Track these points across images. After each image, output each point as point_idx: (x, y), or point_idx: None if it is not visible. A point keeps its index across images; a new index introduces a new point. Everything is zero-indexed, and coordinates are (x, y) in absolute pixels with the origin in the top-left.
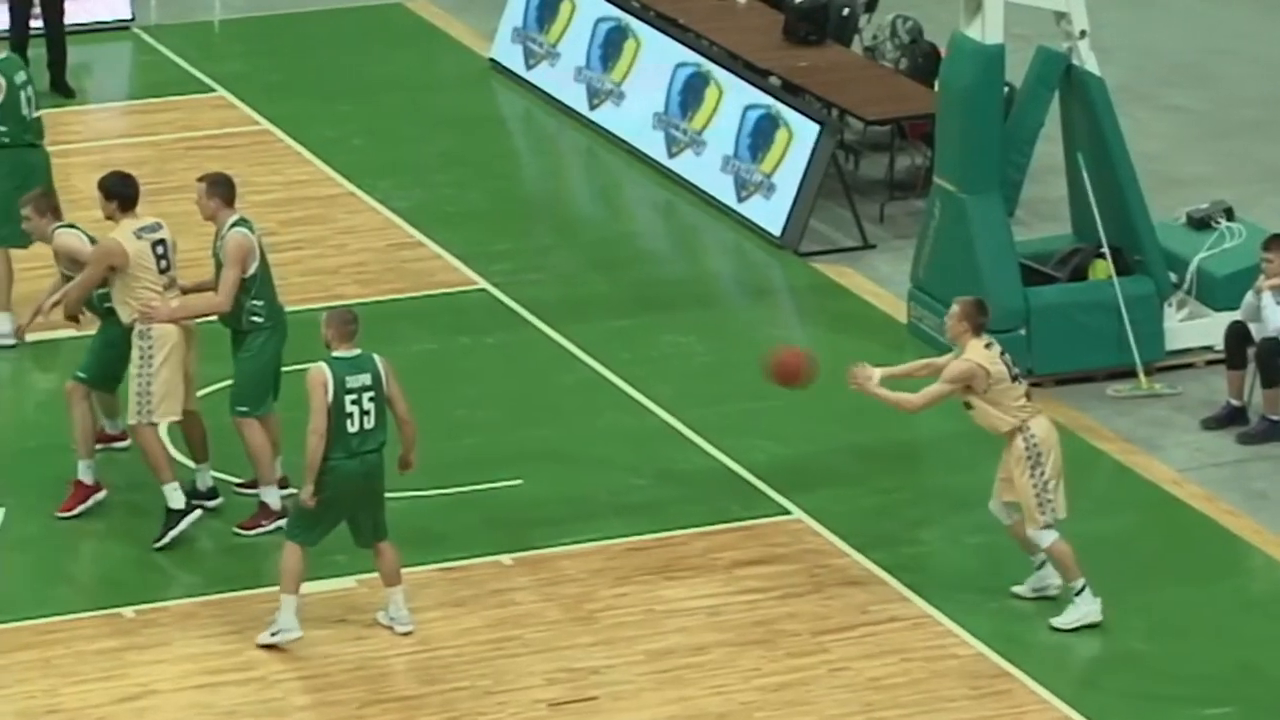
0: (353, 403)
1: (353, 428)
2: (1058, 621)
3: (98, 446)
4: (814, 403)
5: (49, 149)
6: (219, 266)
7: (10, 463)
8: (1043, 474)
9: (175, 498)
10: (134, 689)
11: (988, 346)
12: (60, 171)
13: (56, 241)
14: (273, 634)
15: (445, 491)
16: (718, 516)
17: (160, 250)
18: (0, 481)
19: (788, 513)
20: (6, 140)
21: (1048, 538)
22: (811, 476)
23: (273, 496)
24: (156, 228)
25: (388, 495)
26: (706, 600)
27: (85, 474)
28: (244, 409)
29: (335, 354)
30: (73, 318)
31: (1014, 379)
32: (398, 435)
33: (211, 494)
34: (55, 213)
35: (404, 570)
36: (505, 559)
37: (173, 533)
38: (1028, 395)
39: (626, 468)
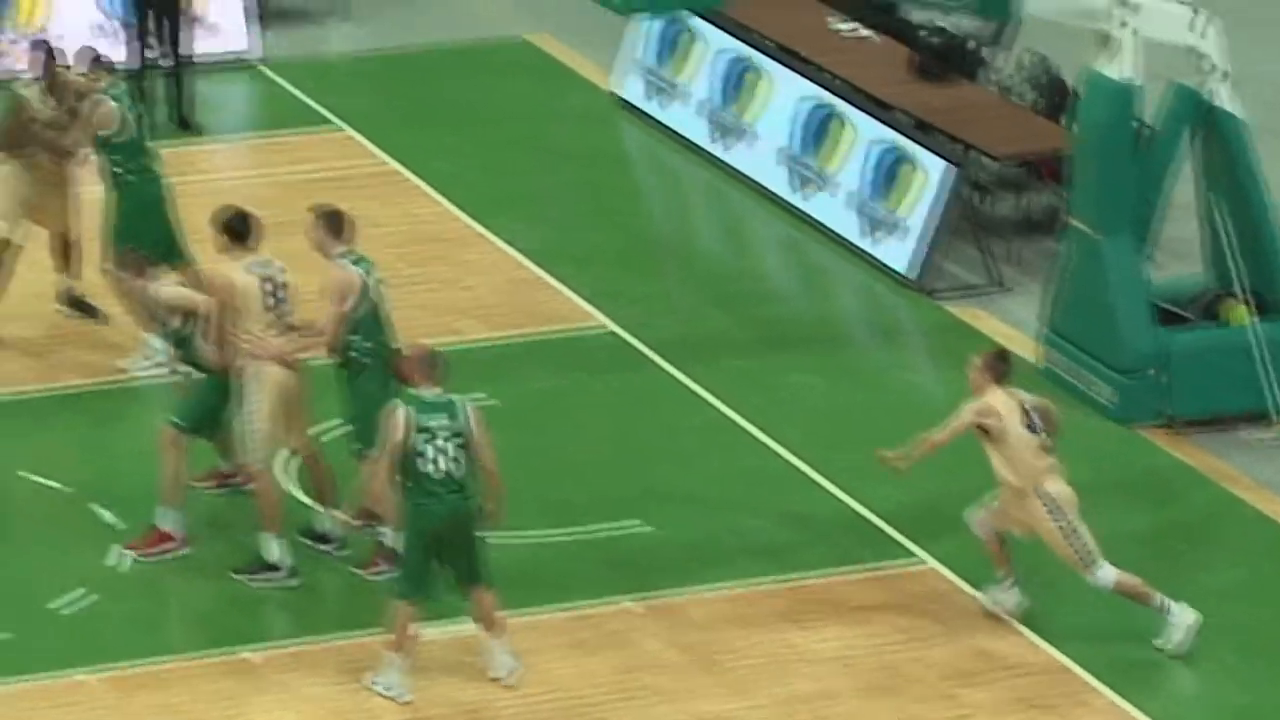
0: (426, 442)
1: (427, 468)
2: (1164, 644)
3: (214, 487)
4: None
5: (171, 182)
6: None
7: (133, 501)
8: (1068, 522)
9: (271, 550)
10: None
11: (1009, 395)
12: (181, 206)
13: (160, 294)
14: (373, 682)
15: (567, 534)
16: (845, 561)
17: (269, 288)
18: (125, 521)
19: (916, 558)
20: (132, 173)
21: (1107, 577)
22: (940, 522)
23: (389, 536)
24: (268, 264)
25: (514, 538)
26: (835, 646)
27: (165, 521)
28: (359, 446)
29: (416, 393)
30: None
31: (1030, 429)
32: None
33: (332, 540)
34: (142, 268)
35: (525, 615)
36: (629, 604)
37: (258, 581)
38: (1046, 449)
39: (752, 511)
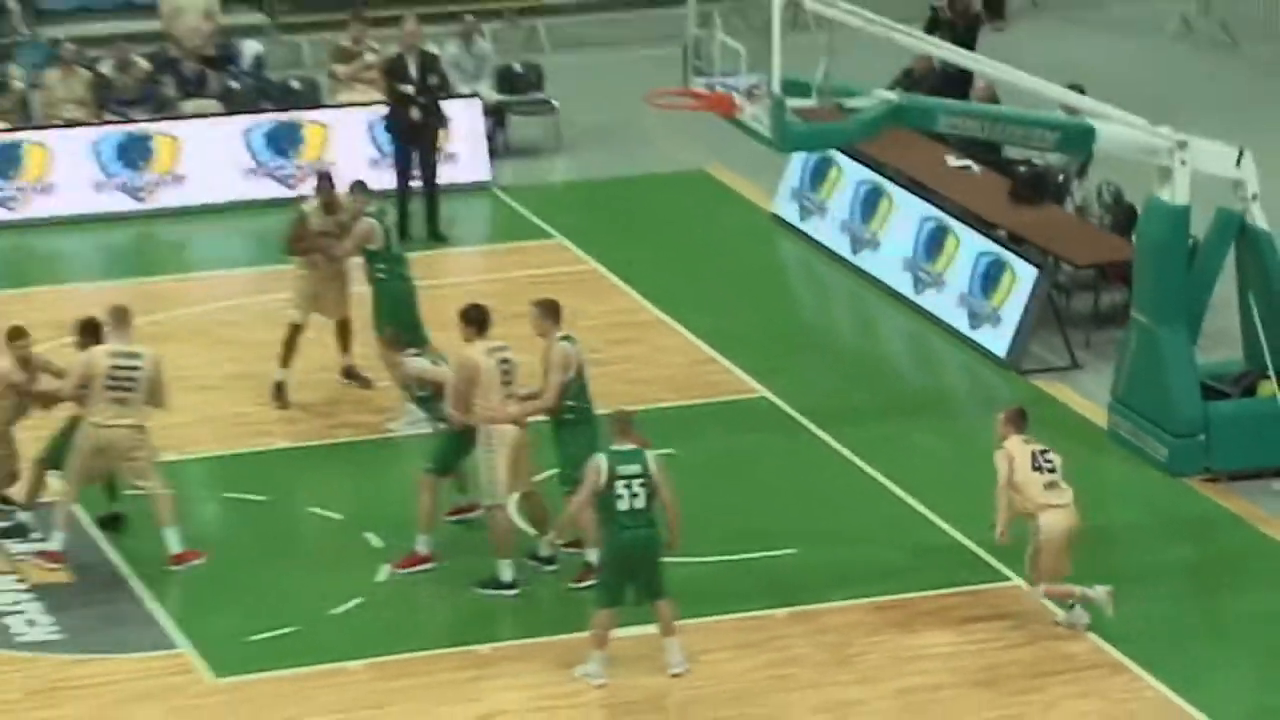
0: (624, 486)
1: (623, 506)
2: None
3: (455, 518)
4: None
5: (424, 282)
6: (549, 372)
7: (396, 529)
8: (1041, 551)
9: (505, 572)
10: (487, 710)
11: (1025, 442)
12: (433, 300)
13: (409, 368)
14: (582, 671)
15: (734, 558)
16: (953, 581)
17: (505, 367)
18: (390, 544)
19: (1009, 580)
20: (383, 275)
21: (1036, 595)
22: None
23: (593, 555)
24: (504, 348)
25: (690, 560)
26: (943, 648)
27: (421, 545)
28: (566, 488)
29: (613, 447)
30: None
31: (1036, 469)
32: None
33: (549, 560)
34: (402, 346)
35: (698, 621)
36: (781, 613)
37: (491, 594)
38: (1050, 486)
39: (880, 542)
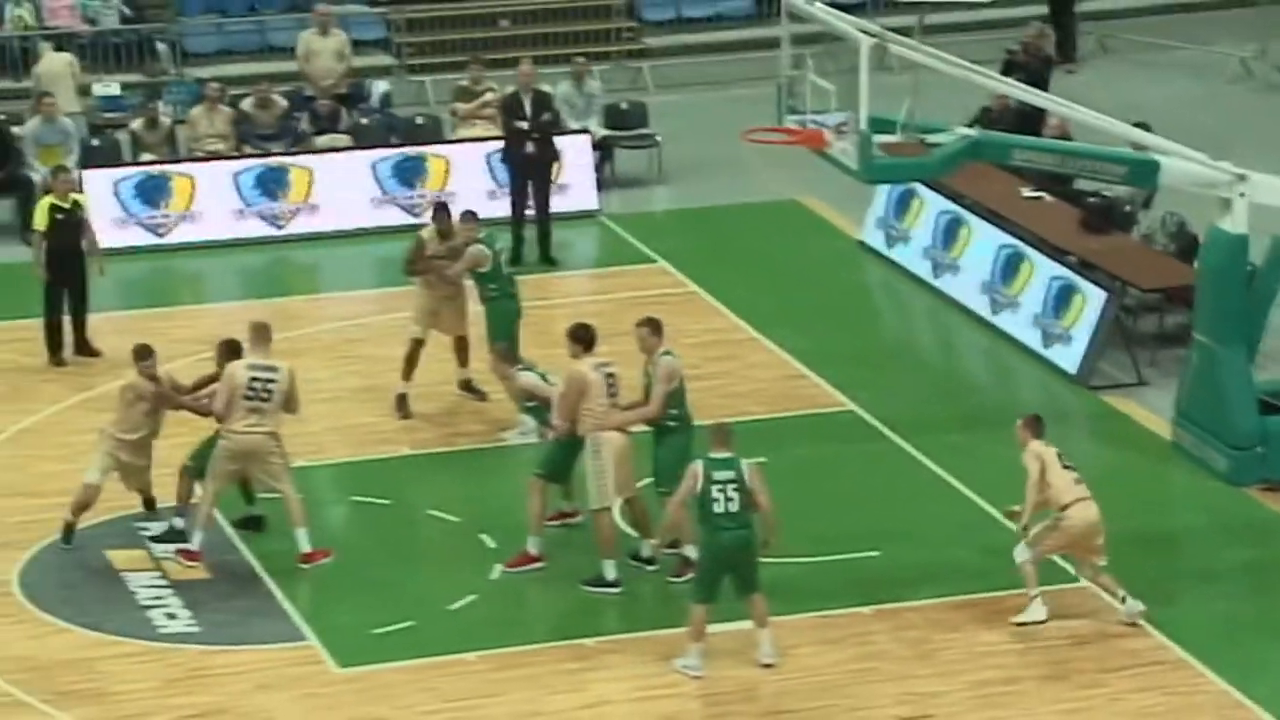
0: (718, 491)
1: (719, 509)
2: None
3: (558, 523)
4: (1102, 497)
5: (537, 303)
6: (649, 384)
7: (509, 531)
8: (1055, 536)
9: (610, 571)
10: (593, 699)
11: (1045, 445)
12: (544, 319)
13: (518, 381)
14: (682, 664)
15: (821, 559)
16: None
17: (611, 381)
18: (502, 545)
19: (1079, 581)
20: (495, 294)
21: (1019, 555)
22: None
23: (691, 551)
24: (609, 364)
25: (780, 560)
26: (1017, 644)
27: (532, 545)
28: (664, 490)
29: (710, 455)
30: (564, 430)
31: (1065, 467)
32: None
33: (650, 560)
34: (513, 360)
35: (788, 617)
36: (865, 610)
37: (596, 591)
38: (1078, 481)
39: (958, 544)
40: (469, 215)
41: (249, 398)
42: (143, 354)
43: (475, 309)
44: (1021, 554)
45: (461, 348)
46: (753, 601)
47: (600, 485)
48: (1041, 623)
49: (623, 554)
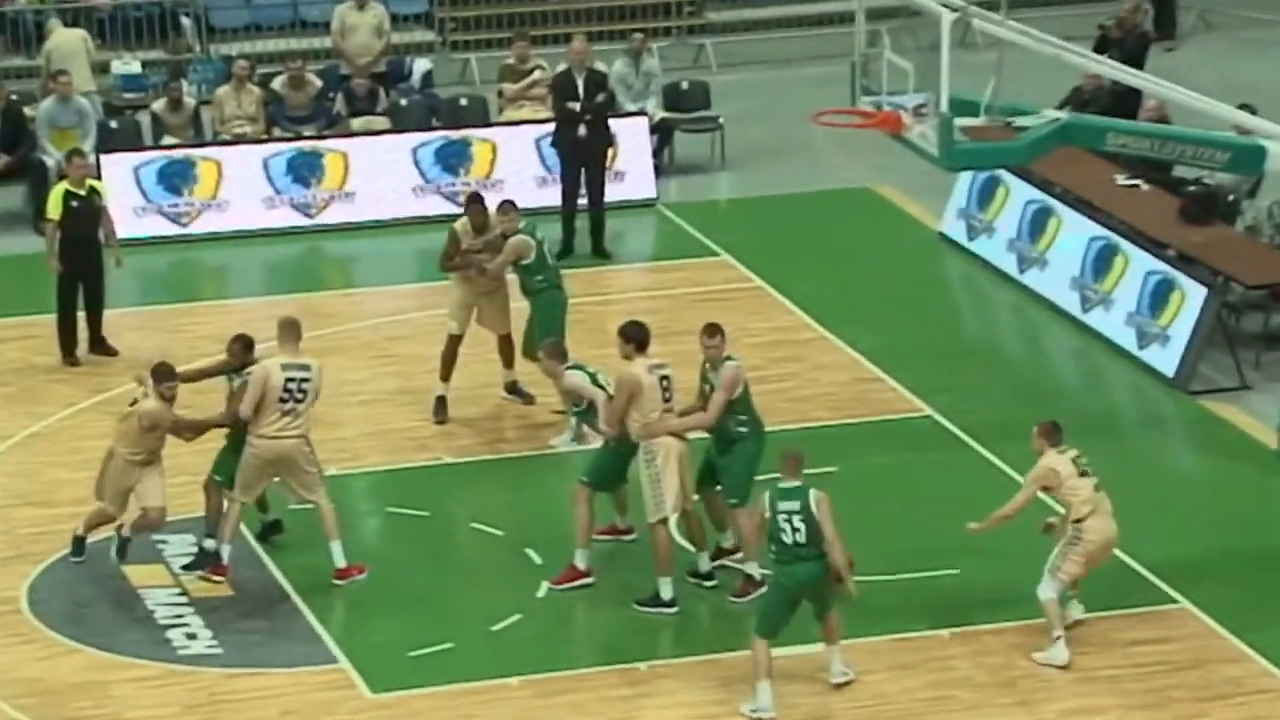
0: (784, 521)
1: (787, 539)
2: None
3: (609, 538)
4: (1198, 512)
5: (588, 299)
6: (709, 390)
7: (556, 544)
8: (1075, 556)
9: (666, 589)
10: None
11: (1061, 453)
12: (596, 317)
13: (566, 381)
14: (751, 710)
15: (896, 577)
16: (1117, 603)
17: (665, 384)
18: (548, 561)
19: (1175, 602)
20: (544, 284)
21: (1045, 592)
22: (1195, 573)
23: (754, 569)
24: (663, 365)
25: (852, 578)
26: (1106, 670)
27: (580, 559)
28: (735, 500)
29: (780, 484)
30: (615, 435)
31: (1082, 474)
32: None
33: (708, 576)
34: (564, 357)
35: (860, 640)
36: (943, 633)
37: (650, 611)
38: (1099, 489)
39: (1043, 561)
40: (507, 205)
41: (284, 399)
42: (165, 374)
43: (518, 305)
44: (1045, 591)
45: (506, 348)
46: (825, 619)
47: (656, 495)
48: (1063, 667)
49: (680, 570)
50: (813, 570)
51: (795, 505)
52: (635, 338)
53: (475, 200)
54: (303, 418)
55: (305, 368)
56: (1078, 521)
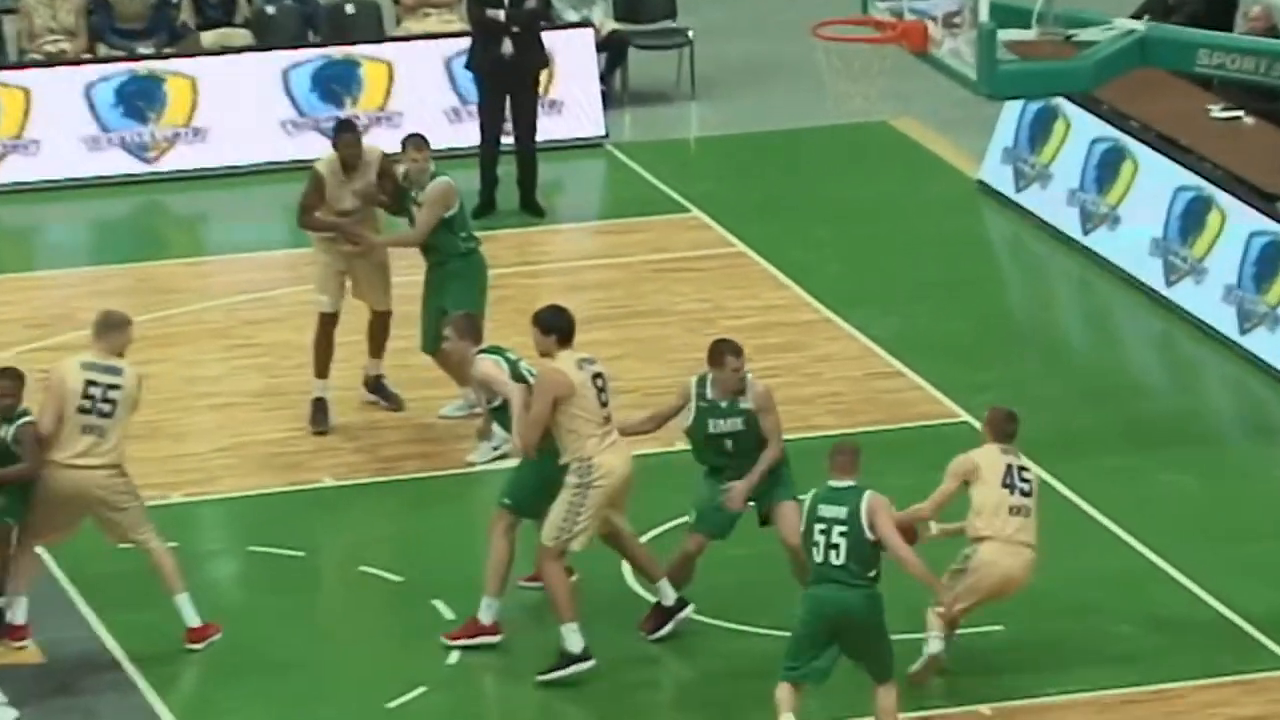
0: (821, 532)
1: (818, 557)
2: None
3: (535, 584)
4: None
5: (514, 271)
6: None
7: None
8: (964, 589)
9: (573, 639)
10: None
11: (1003, 452)
12: (527, 292)
13: (476, 368)
14: None
15: (920, 636)
16: (1214, 669)
17: (599, 383)
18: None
19: None
20: (471, 245)
21: (933, 645)
22: None
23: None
24: (593, 360)
25: None
26: None
27: (485, 611)
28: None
29: (829, 483)
30: (530, 450)
31: (1006, 485)
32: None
33: (676, 608)
34: (478, 336)
35: None
36: (984, 709)
37: (560, 674)
38: (1015, 512)
39: (1113, 613)
40: (418, 140)
41: (84, 409)
42: None
43: (403, 279)
44: (933, 644)
45: (380, 330)
46: (875, 693)
47: (566, 523)
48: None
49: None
50: (847, 602)
51: (840, 511)
52: (556, 327)
53: (346, 129)
54: (110, 439)
55: (114, 370)
56: (975, 540)
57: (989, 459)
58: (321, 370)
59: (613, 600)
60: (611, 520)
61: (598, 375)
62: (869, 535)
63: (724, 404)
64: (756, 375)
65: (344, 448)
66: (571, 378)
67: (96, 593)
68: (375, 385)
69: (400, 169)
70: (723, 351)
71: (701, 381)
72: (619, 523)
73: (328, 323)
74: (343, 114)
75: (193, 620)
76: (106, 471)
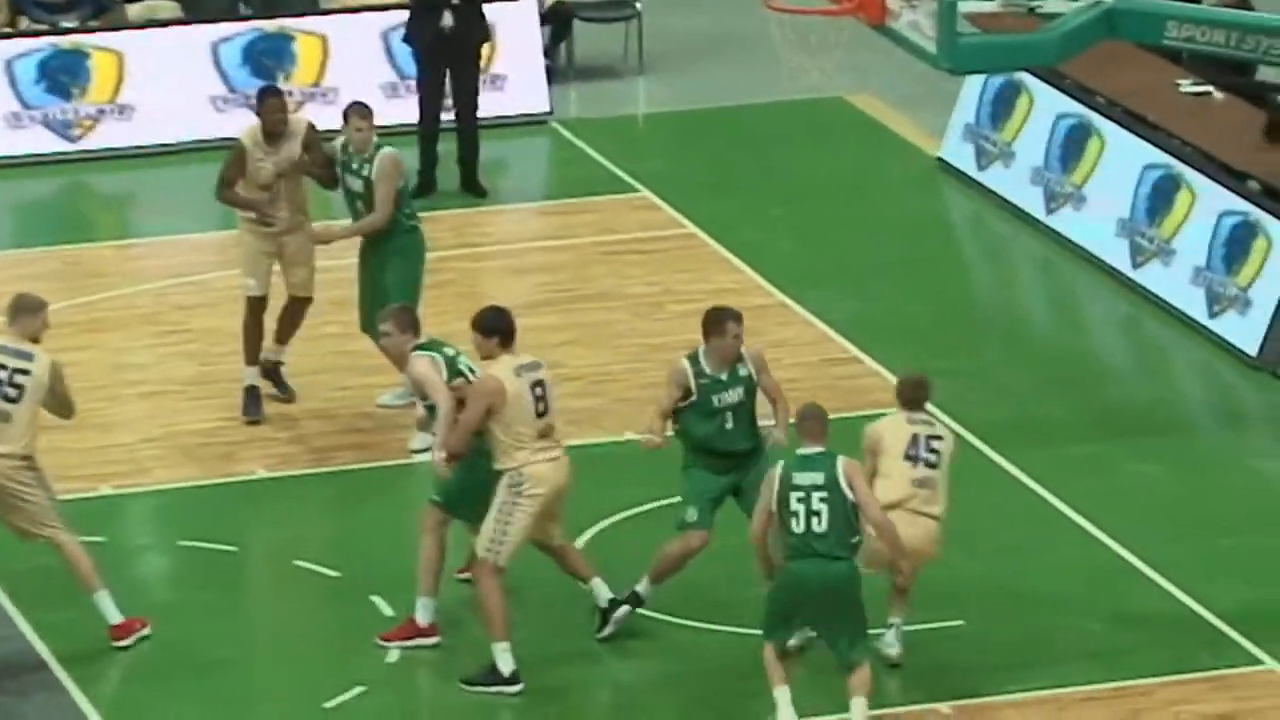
0: (799, 500)
1: (797, 527)
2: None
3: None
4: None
5: (456, 253)
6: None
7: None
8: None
9: (504, 660)
10: None
11: (910, 422)
12: (469, 276)
13: (412, 366)
14: None
15: (879, 630)
16: (1182, 665)
17: (539, 392)
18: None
19: (1260, 663)
20: (414, 222)
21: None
22: None
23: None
24: (536, 366)
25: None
26: None
27: (421, 611)
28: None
29: (798, 451)
30: (455, 458)
31: (912, 460)
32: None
33: (613, 605)
34: (416, 329)
35: (838, 717)
36: (943, 707)
37: (483, 690)
38: (919, 484)
39: (1079, 608)
40: (362, 109)
41: None
42: None
43: (330, 262)
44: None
45: (294, 315)
46: (852, 671)
47: (496, 532)
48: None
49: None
50: (823, 574)
51: (818, 477)
52: (499, 329)
53: (270, 93)
54: (15, 426)
55: (24, 355)
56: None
57: (893, 430)
58: (252, 357)
59: (561, 597)
60: (547, 529)
61: (537, 384)
62: (850, 497)
63: (724, 376)
64: None
65: (278, 438)
66: (507, 386)
67: (21, 589)
68: (272, 372)
69: (340, 140)
70: (724, 319)
71: (694, 360)
72: (554, 532)
73: (256, 307)
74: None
75: (114, 617)
76: (12, 461)
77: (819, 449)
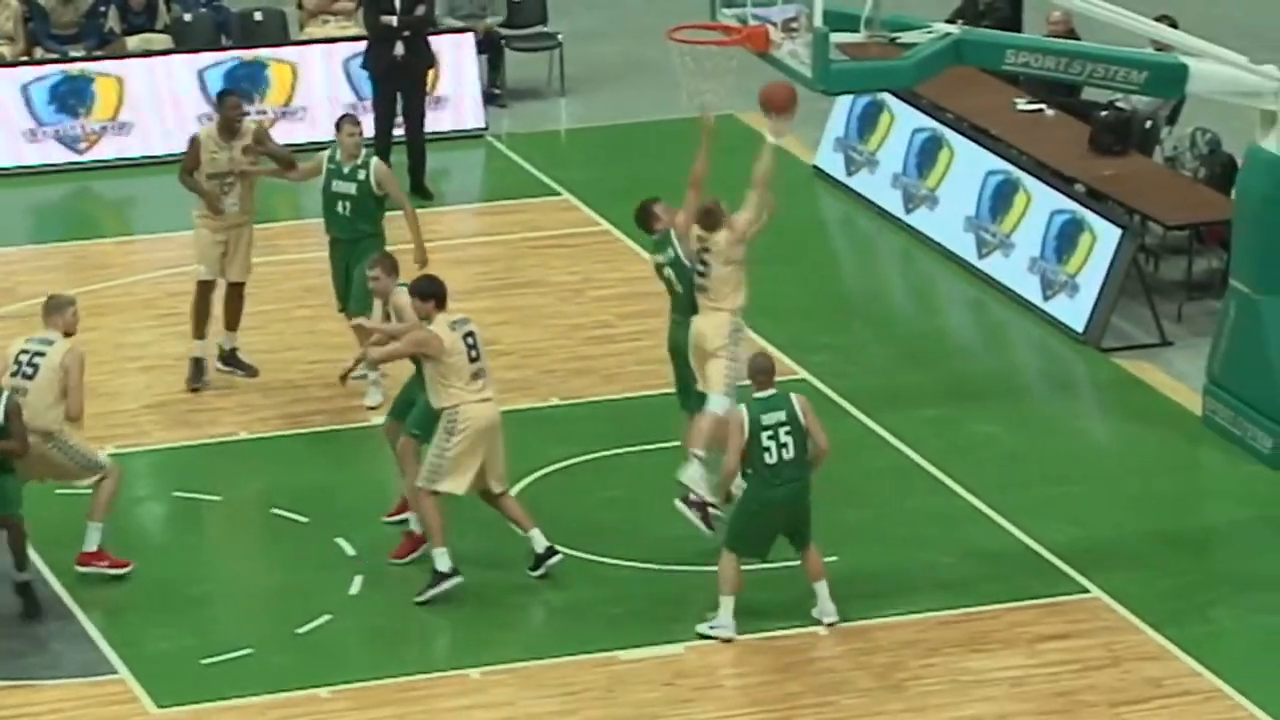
0: (769, 438)
1: (771, 460)
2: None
3: (397, 518)
4: (1112, 488)
5: (408, 248)
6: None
7: (371, 536)
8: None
9: (442, 560)
10: None
11: (451, 325)
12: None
13: (396, 299)
14: (710, 627)
15: (765, 566)
16: (1021, 594)
17: (470, 341)
18: (364, 552)
19: (1086, 591)
20: (382, 225)
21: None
22: (1108, 558)
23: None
24: (467, 321)
25: (715, 568)
26: (1010, 672)
27: (416, 524)
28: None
29: (755, 395)
30: (372, 366)
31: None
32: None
33: (549, 553)
34: (397, 272)
35: (736, 638)
36: (820, 630)
37: (433, 592)
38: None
39: (935, 546)
40: (350, 119)
41: (12, 374)
42: None
43: (301, 255)
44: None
45: (236, 301)
46: (806, 555)
47: (436, 464)
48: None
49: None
50: (795, 491)
51: (781, 415)
52: (434, 293)
53: (229, 93)
54: (33, 402)
55: (46, 341)
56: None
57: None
58: (199, 332)
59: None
60: (485, 478)
61: (469, 334)
62: (804, 425)
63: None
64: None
65: (257, 405)
66: (444, 339)
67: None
68: (229, 357)
69: (328, 151)
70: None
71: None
72: (493, 483)
73: (205, 289)
74: (252, 110)
75: (90, 546)
76: (34, 435)
77: (772, 391)
